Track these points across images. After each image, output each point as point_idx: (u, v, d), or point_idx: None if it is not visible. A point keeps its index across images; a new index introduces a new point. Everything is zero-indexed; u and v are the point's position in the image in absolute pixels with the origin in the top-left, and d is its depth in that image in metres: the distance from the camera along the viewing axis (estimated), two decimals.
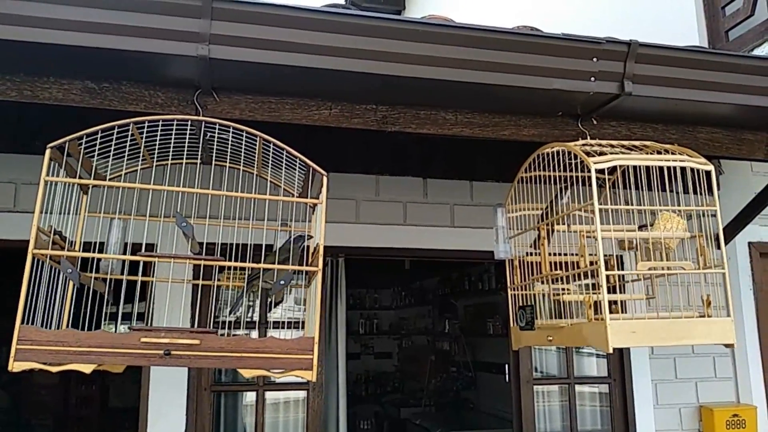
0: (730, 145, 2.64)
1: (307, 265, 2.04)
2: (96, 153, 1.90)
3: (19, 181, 3.17)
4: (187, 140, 2.02)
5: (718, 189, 2.16)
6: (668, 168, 2.12)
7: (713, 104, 2.38)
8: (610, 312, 1.99)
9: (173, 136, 1.96)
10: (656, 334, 2.02)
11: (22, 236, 1.80)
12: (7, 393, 6.74)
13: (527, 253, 2.48)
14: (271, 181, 2.17)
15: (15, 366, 1.66)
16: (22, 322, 1.68)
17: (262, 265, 1.98)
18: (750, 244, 4.11)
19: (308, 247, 2.09)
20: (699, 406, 3.90)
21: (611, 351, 1.95)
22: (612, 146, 2.25)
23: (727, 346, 2.07)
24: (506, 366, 4.28)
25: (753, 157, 2.74)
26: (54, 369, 1.69)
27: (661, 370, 3.90)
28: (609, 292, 2.03)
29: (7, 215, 3.11)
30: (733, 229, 3.68)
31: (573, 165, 2.24)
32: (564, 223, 2.35)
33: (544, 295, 2.42)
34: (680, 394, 3.91)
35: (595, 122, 2.46)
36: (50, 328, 1.78)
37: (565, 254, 2.34)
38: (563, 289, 2.34)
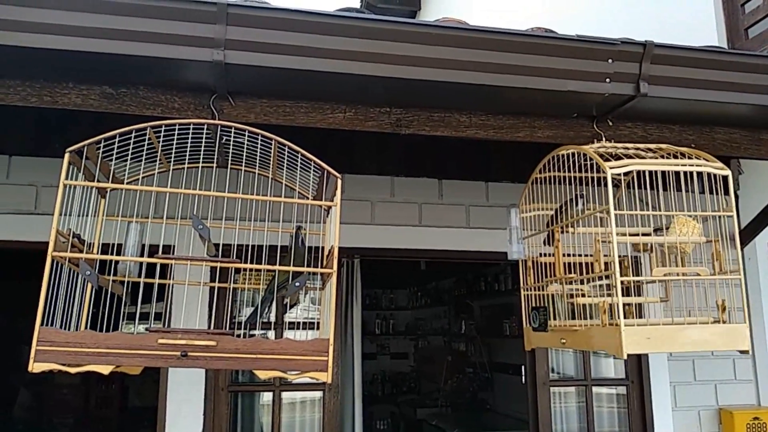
0: (748, 146, 2.61)
1: (321, 267, 2.06)
2: (114, 156, 1.93)
3: (40, 183, 3.22)
4: (203, 144, 2.04)
5: (738, 189, 2.14)
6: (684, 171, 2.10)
7: (731, 105, 2.35)
8: (625, 315, 1.97)
9: (190, 140, 1.99)
10: (671, 340, 2.01)
11: (42, 238, 1.83)
12: (30, 392, 6.86)
13: (541, 254, 2.47)
14: (286, 185, 2.18)
15: (35, 367, 1.68)
16: (42, 324, 1.70)
17: (277, 267, 1.99)
18: None
19: (323, 248, 2.11)
20: (719, 409, 3.85)
21: (625, 357, 1.94)
22: (627, 148, 2.23)
23: (741, 352, 2.05)
24: (522, 367, 4.27)
25: None
26: (73, 370, 1.71)
27: (680, 372, 3.86)
28: (624, 295, 2.02)
29: (28, 217, 3.17)
30: (753, 230, 3.62)
31: (588, 166, 2.23)
32: (577, 226, 2.35)
33: (558, 296, 2.40)
34: (699, 397, 3.86)
35: (610, 123, 2.45)
36: (69, 329, 1.81)
37: (580, 255, 2.33)
38: (578, 290, 2.33)
